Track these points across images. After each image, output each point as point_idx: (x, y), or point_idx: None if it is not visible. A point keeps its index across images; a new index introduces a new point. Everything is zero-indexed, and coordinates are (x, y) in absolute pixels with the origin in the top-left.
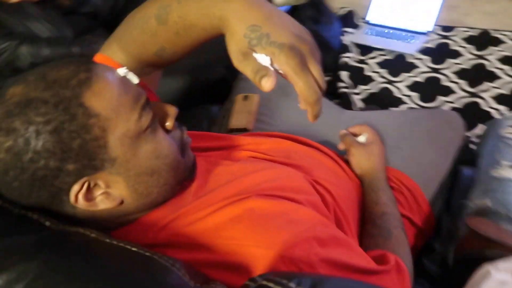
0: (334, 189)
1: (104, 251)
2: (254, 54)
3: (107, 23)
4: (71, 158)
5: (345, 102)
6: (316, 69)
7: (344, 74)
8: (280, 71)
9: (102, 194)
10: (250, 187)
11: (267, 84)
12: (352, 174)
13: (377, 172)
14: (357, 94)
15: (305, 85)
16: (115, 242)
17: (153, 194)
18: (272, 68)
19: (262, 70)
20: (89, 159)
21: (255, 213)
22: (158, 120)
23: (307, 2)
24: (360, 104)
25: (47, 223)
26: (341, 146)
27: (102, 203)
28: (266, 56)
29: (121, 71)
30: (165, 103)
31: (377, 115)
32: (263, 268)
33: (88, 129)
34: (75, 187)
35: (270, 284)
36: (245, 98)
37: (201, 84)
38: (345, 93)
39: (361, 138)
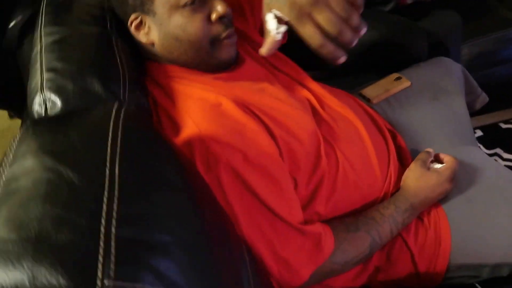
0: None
1: None
2: (265, 16)
3: None
4: None
5: None
6: (323, 18)
7: None
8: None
9: (144, 31)
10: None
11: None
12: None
13: (412, 196)
14: None
15: (303, 34)
16: None
17: (173, 54)
18: (275, 31)
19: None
20: (142, 2)
21: (219, 108)
22: (208, 8)
23: None
24: None
25: None
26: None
27: (142, 37)
28: (272, 18)
29: None
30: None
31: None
32: (185, 136)
33: None
34: (132, 16)
35: None
36: (397, 78)
37: None
38: None
39: (435, 165)
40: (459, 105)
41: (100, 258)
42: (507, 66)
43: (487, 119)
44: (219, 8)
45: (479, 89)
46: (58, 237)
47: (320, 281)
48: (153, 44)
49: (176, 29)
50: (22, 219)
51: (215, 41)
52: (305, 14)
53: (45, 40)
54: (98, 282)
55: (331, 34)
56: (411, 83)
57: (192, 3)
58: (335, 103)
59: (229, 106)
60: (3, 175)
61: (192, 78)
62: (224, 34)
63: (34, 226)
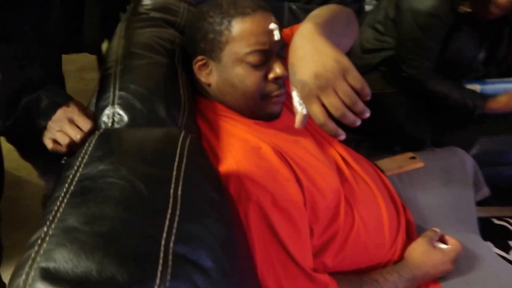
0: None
1: None
2: (292, 93)
3: None
4: (205, 41)
5: None
6: (328, 102)
7: None
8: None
9: (206, 72)
10: (283, 148)
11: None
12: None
13: (415, 268)
14: None
15: (310, 111)
16: None
17: (226, 97)
18: (299, 107)
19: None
20: (211, 49)
21: (258, 151)
22: (268, 66)
23: None
24: None
25: None
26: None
27: (203, 76)
28: (296, 96)
29: (273, 25)
30: (283, 64)
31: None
32: (224, 169)
33: (221, 35)
34: (199, 57)
35: None
36: (412, 157)
37: None
38: None
39: (441, 245)
40: (468, 196)
41: (160, 268)
42: (509, 167)
43: (482, 212)
44: (278, 70)
45: (483, 183)
46: (126, 238)
47: None
48: (210, 85)
49: (235, 79)
50: (96, 215)
51: (266, 97)
52: (313, 96)
53: (120, 61)
54: (155, 287)
55: (336, 117)
56: (424, 165)
57: (257, 65)
58: (357, 167)
59: (267, 151)
60: (78, 171)
61: (237, 119)
62: (276, 93)
63: (106, 223)
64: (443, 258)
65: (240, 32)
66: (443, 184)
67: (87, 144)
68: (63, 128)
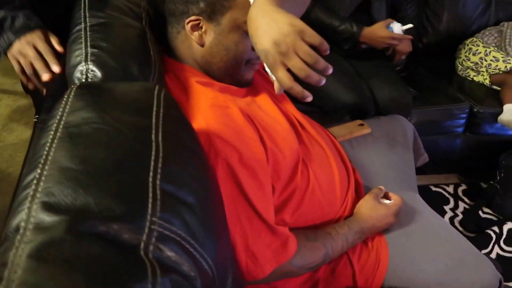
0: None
1: None
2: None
3: None
4: (206, 2)
5: None
6: (292, 65)
7: None
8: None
9: (199, 33)
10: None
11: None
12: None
13: (363, 221)
14: None
15: (277, 78)
16: None
17: (215, 59)
18: (272, 77)
19: None
20: (212, 11)
21: (226, 110)
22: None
23: None
24: None
25: None
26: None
27: (194, 36)
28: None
29: None
30: None
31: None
32: (195, 126)
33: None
34: (193, 17)
35: None
36: (360, 124)
37: None
38: None
39: (385, 201)
40: (408, 158)
41: (150, 200)
42: (445, 137)
43: (420, 180)
44: None
45: (422, 149)
46: (118, 176)
47: (276, 279)
48: (202, 46)
49: (230, 43)
50: (87, 156)
51: (248, 63)
52: (277, 62)
53: (89, 22)
54: (148, 217)
55: (300, 78)
56: (371, 131)
57: None
58: (311, 130)
59: (234, 111)
60: (62, 120)
61: (208, 82)
62: (257, 60)
63: (98, 163)
64: (387, 212)
65: (245, 0)
66: (387, 148)
67: (65, 96)
68: (28, 53)
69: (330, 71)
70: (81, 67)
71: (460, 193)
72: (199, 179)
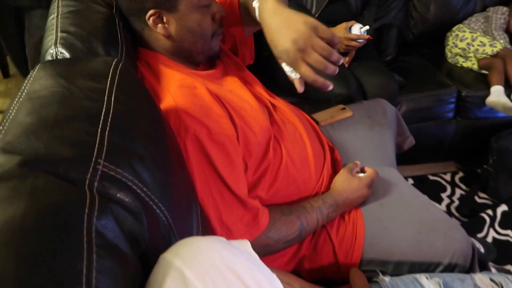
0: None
1: None
2: (281, 65)
3: None
4: None
5: None
6: (311, 60)
7: None
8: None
9: (161, 25)
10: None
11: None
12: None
13: (337, 194)
14: None
15: (301, 73)
16: None
17: (184, 44)
18: (292, 74)
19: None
20: (166, 0)
21: (193, 90)
22: (212, 10)
23: None
24: None
25: None
26: (350, 164)
27: (160, 29)
28: (285, 66)
29: None
30: (220, 5)
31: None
32: (163, 106)
33: None
34: (151, 11)
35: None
36: (342, 109)
37: None
38: None
39: (360, 174)
40: (388, 137)
41: (97, 146)
42: (437, 123)
43: (418, 170)
44: (222, 12)
45: (408, 132)
46: (67, 127)
47: (258, 253)
48: (169, 36)
49: (194, 24)
50: (42, 113)
51: (213, 35)
52: (298, 59)
53: (61, 10)
54: (93, 159)
55: (320, 70)
56: (353, 114)
57: (208, 5)
58: (286, 112)
59: (202, 91)
60: (25, 90)
61: (177, 67)
62: (219, 31)
63: (51, 118)
64: (360, 183)
65: None
66: (367, 128)
67: (31, 72)
68: None
69: (341, 61)
70: (51, 50)
71: (457, 180)
72: (153, 138)
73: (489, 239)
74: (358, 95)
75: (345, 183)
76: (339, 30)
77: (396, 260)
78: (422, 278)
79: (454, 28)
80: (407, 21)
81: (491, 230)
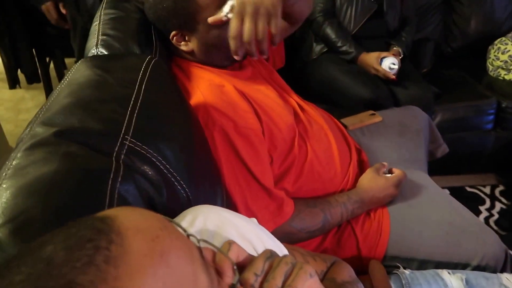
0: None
1: None
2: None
3: None
4: (175, 16)
5: None
6: (247, 25)
7: None
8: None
9: (184, 43)
10: (244, 90)
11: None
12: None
13: (363, 192)
14: None
15: (231, 23)
16: None
17: (208, 55)
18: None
19: None
20: (185, 21)
21: (221, 88)
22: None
23: None
24: None
25: None
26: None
27: (183, 47)
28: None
29: None
30: None
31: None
32: (193, 101)
33: (189, 7)
34: (174, 32)
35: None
36: (372, 114)
37: None
38: None
39: (388, 174)
40: (419, 143)
41: (125, 124)
42: (475, 133)
43: (455, 181)
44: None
45: (441, 140)
46: (100, 107)
47: (280, 239)
48: (192, 51)
49: (215, 40)
50: (79, 95)
51: None
52: (241, 14)
53: (103, 18)
54: (121, 135)
55: (243, 39)
56: (383, 119)
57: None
58: (312, 113)
59: (229, 89)
60: (67, 78)
61: (207, 68)
62: None
63: (86, 99)
64: (387, 183)
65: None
66: (397, 134)
67: (74, 65)
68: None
69: (265, 57)
70: (93, 50)
71: (497, 194)
72: (178, 124)
73: None
74: (388, 101)
75: (372, 182)
76: (371, 59)
77: (421, 258)
78: (444, 272)
79: (496, 42)
80: (445, 35)
81: None
